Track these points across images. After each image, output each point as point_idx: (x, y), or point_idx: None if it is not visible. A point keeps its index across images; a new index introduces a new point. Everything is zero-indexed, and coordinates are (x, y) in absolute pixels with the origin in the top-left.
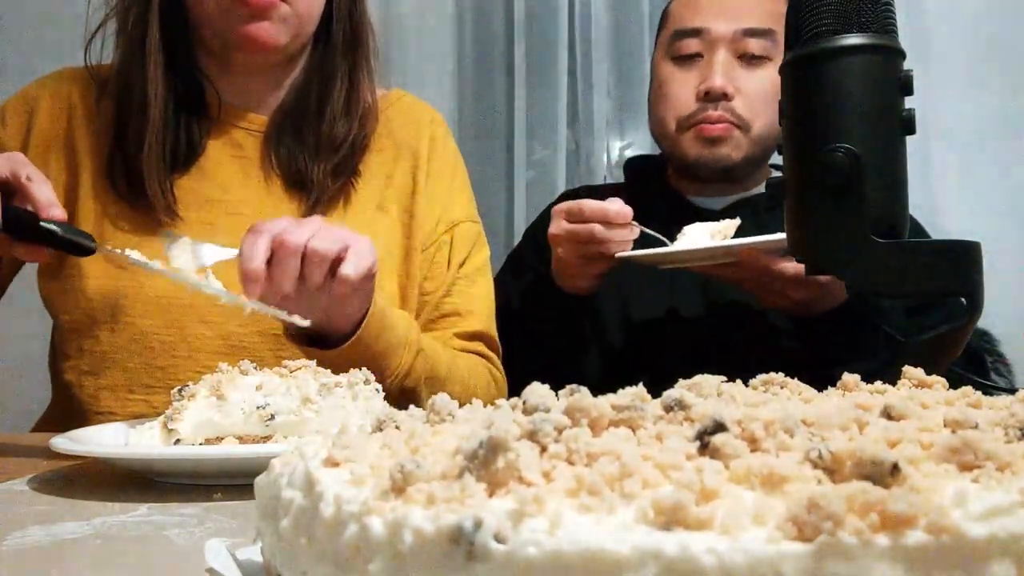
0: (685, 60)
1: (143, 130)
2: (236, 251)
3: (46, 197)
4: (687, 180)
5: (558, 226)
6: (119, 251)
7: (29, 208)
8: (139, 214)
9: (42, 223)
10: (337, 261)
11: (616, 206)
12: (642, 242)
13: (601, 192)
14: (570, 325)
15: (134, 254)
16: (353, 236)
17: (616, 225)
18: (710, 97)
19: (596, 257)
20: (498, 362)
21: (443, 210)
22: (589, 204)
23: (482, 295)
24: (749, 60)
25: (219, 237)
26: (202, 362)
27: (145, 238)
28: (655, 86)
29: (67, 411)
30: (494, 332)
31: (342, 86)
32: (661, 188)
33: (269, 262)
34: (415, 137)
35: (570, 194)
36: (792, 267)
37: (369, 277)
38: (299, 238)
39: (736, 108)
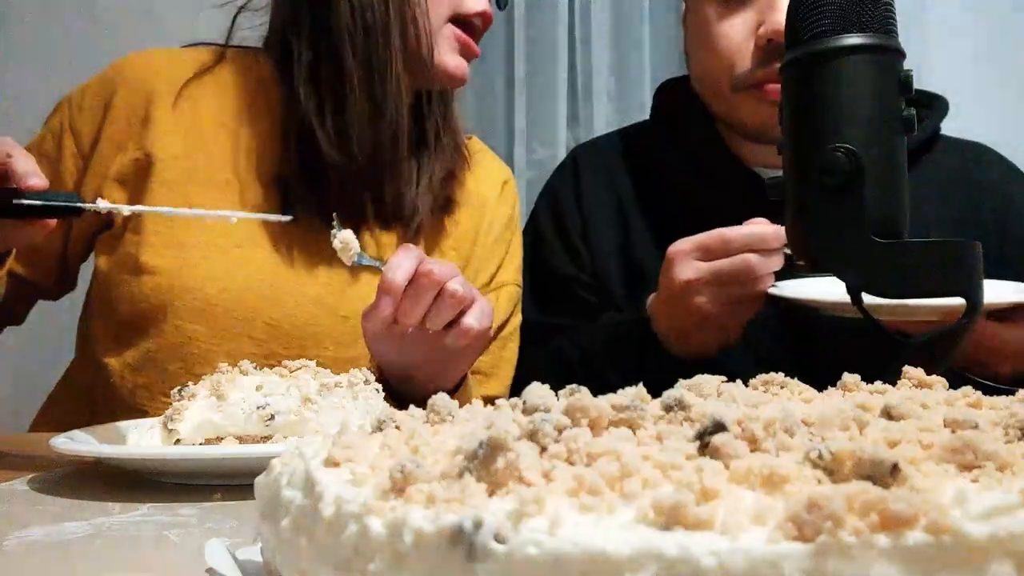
0: None
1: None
2: (380, 264)
3: (23, 168)
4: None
5: (695, 270)
6: (96, 205)
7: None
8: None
9: (15, 201)
10: (462, 312)
11: (771, 229)
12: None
13: (622, 139)
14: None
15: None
16: (480, 295)
17: (770, 251)
18: (775, 46)
19: (749, 298)
20: None
21: (496, 268)
22: (736, 233)
23: (509, 360)
24: None
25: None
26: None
27: (232, 237)
28: (694, 33)
29: (93, 393)
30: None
31: (438, 121)
32: (710, 143)
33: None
34: (488, 192)
35: (587, 147)
36: (1014, 337)
37: (485, 337)
38: (442, 275)
39: None
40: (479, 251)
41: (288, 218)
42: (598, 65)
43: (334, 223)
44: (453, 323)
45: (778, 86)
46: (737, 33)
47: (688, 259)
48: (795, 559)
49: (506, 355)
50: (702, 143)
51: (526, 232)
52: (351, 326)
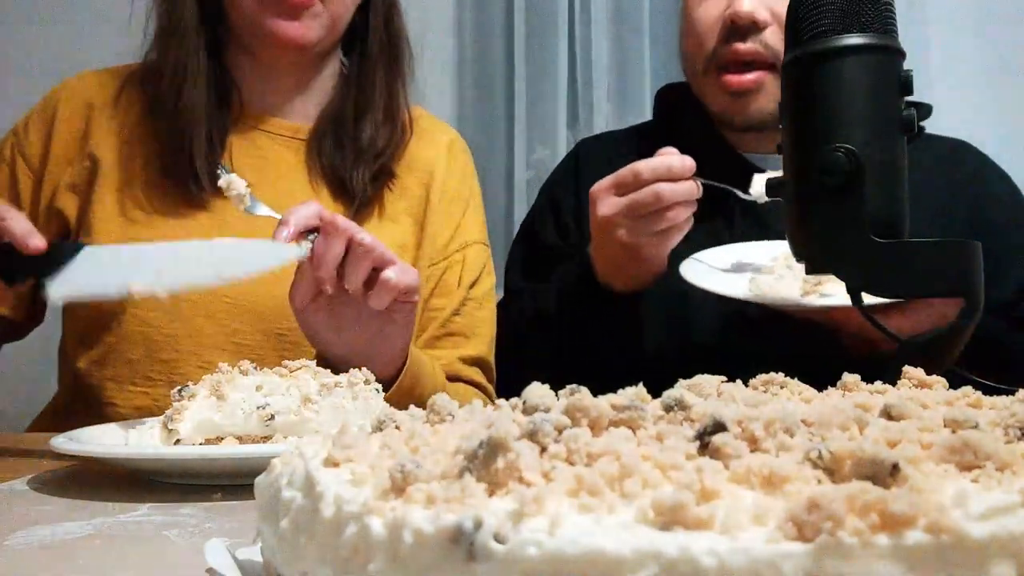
0: None
1: (185, 115)
2: (276, 213)
3: (22, 229)
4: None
5: (611, 205)
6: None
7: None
8: (169, 202)
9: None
10: (379, 271)
11: (677, 158)
12: (706, 197)
13: (626, 136)
14: (620, 327)
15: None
16: (395, 255)
17: (681, 181)
18: (736, 28)
19: (666, 229)
20: (492, 392)
21: (457, 229)
22: (645, 165)
23: (487, 320)
24: None
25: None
26: (204, 357)
27: (176, 229)
28: (681, 19)
29: (74, 400)
30: (492, 359)
31: (380, 96)
32: (705, 134)
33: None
34: (433, 155)
35: (590, 141)
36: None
37: (411, 300)
38: (349, 223)
39: (768, 39)
40: (433, 215)
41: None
42: (598, 65)
43: (220, 167)
44: (373, 284)
45: (738, 77)
46: (710, 16)
47: (607, 195)
48: (795, 559)
49: (483, 315)
50: (698, 134)
51: (526, 216)
52: None
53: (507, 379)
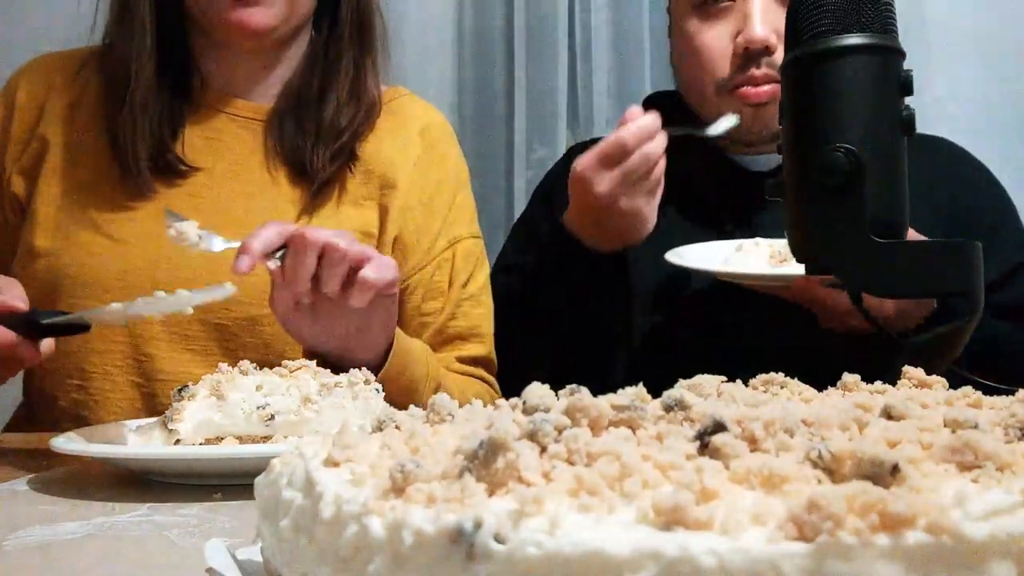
0: (713, 7)
1: (131, 101)
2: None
3: (17, 295)
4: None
5: (608, 180)
6: (110, 307)
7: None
8: (113, 190)
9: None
10: (356, 270)
11: (649, 117)
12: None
13: None
14: (604, 293)
15: (121, 306)
16: (374, 251)
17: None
18: (751, 53)
19: (655, 184)
20: (497, 386)
21: (442, 226)
22: (627, 132)
23: (485, 315)
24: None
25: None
26: (141, 349)
27: (118, 214)
28: (680, 41)
29: (28, 403)
30: (494, 354)
31: (346, 73)
32: (695, 140)
33: (282, 258)
34: (403, 142)
35: (579, 147)
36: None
37: (391, 293)
38: (318, 234)
39: (779, 61)
40: (410, 219)
41: (231, 291)
42: (598, 65)
43: (167, 215)
44: (351, 283)
45: (755, 89)
46: (718, 42)
47: (598, 172)
48: (795, 559)
49: (480, 311)
50: (688, 140)
51: (516, 221)
52: (248, 283)
53: (502, 368)
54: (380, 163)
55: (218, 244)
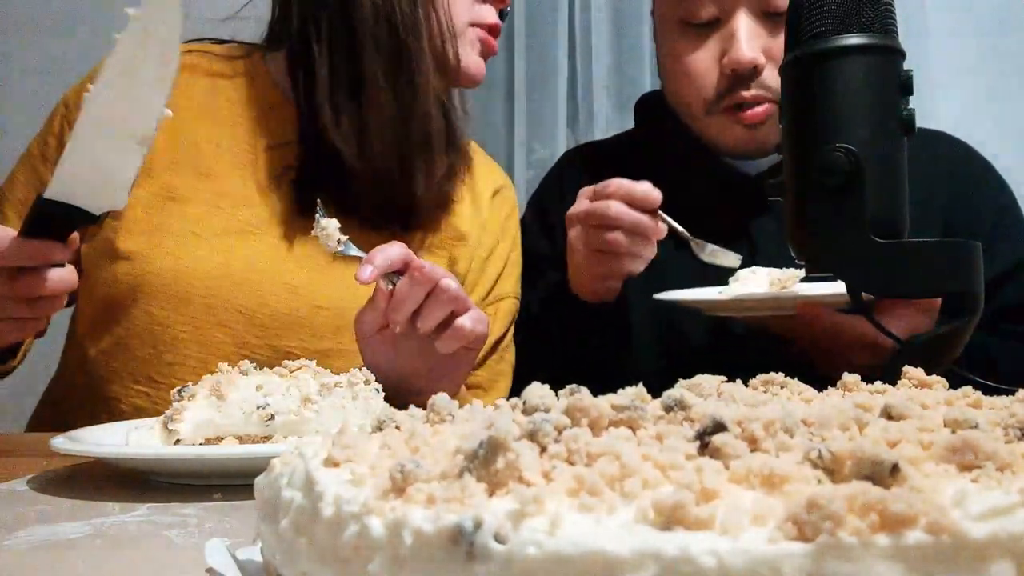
0: (699, 26)
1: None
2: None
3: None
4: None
5: (577, 206)
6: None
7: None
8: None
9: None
10: (453, 315)
11: (642, 186)
12: (670, 237)
13: (610, 145)
14: (597, 340)
15: None
16: (473, 303)
17: (644, 215)
18: (738, 74)
19: (609, 252)
20: None
21: (494, 285)
22: (617, 181)
23: (505, 372)
24: (775, 19)
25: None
26: (211, 365)
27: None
28: (667, 59)
29: (73, 391)
30: None
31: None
32: (685, 143)
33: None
34: (483, 188)
35: (574, 151)
36: (861, 328)
37: (476, 348)
38: (435, 271)
39: (768, 81)
40: (470, 272)
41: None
42: (598, 65)
43: (318, 210)
44: (445, 327)
45: (752, 111)
46: (704, 63)
47: (582, 198)
48: (795, 559)
49: (503, 367)
50: (680, 140)
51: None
52: (324, 316)
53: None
54: (455, 215)
55: (353, 250)
